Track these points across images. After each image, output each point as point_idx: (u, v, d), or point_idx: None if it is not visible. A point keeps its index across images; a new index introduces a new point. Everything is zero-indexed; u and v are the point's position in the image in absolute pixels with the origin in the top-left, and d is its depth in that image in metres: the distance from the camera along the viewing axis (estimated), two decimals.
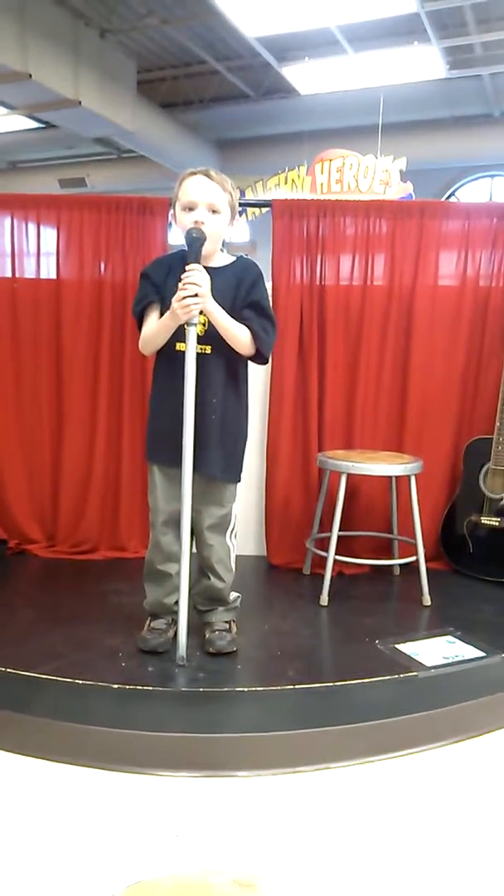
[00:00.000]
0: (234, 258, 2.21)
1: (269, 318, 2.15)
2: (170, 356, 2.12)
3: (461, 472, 3.06)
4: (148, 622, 2.27)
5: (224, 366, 2.14)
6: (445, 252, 3.07)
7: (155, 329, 2.12)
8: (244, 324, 2.10)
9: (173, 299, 2.01)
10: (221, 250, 2.21)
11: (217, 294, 2.06)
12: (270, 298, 2.98)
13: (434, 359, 3.07)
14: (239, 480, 2.25)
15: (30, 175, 10.71)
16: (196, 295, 1.99)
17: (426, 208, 3.08)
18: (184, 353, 2.05)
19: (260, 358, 2.16)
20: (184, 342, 2.06)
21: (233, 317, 2.09)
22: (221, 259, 2.19)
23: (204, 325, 2.08)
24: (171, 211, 2.18)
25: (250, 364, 2.22)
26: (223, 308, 2.07)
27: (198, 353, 2.07)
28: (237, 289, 2.13)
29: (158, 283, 2.13)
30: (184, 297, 1.98)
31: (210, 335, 2.09)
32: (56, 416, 3.14)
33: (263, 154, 9.23)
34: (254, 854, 1.46)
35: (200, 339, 2.08)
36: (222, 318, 2.06)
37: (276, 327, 2.18)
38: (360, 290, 3.05)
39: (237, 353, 2.13)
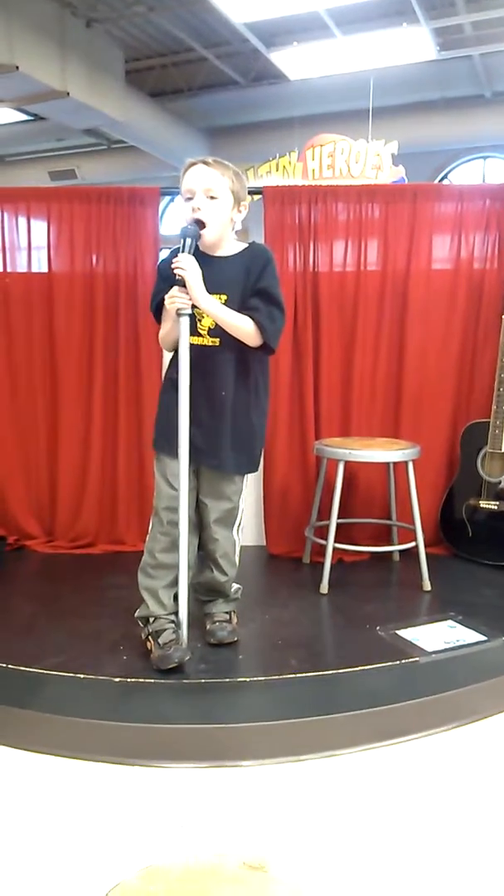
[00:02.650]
0: (247, 245, 2.15)
1: (277, 305, 2.08)
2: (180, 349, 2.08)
3: (459, 456, 3.06)
4: (152, 639, 2.09)
5: (234, 358, 2.09)
6: (439, 235, 3.05)
7: (162, 326, 2.14)
8: (250, 314, 2.05)
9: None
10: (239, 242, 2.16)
11: (226, 284, 2.04)
12: None
13: (429, 343, 3.06)
14: (254, 470, 2.23)
15: (20, 168, 10.64)
16: (183, 283, 1.97)
17: (419, 191, 3.06)
18: (194, 345, 2.04)
19: (267, 349, 2.12)
20: (196, 335, 2.06)
21: (243, 305, 2.05)
22: (231, 247, 2.12)
23: (189, 315, 2.04)
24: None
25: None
26: (234, 298, 2.04)
27: (207, 346, 2.06)
28: (246, 276, 2.07)
29: (169, 277, 2.05)
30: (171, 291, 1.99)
31: (220, 327, 2.05)
32: (51, 410, 3.13)
33: (254, 141, 9.17)
34: (261, 840, 1.46)
35: (210, 332, 2.07)
36: (220, 312, 2.02)
37: (284, 314, 2.12)
38: (354, 276, 3.04)
39: (249, 345, 2.10)
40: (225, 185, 2.04)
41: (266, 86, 8.28)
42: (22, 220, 3.07)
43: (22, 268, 3.10)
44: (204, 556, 2.25)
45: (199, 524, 2.20)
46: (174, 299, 1.99)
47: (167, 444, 2.11)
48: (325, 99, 8.29)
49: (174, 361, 2.15)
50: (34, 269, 3.09)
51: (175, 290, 1.99)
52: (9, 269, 3.10)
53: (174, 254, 2.09)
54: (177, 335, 2.05)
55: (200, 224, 2.02)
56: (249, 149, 9.00)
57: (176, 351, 2.14)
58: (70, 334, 3.06)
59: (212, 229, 2.03)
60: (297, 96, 8.25)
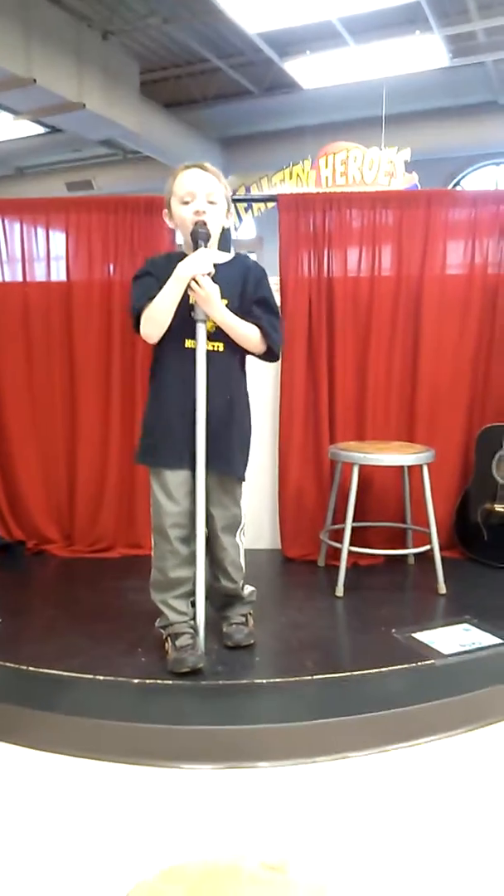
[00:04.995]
0: (233, 255, 2.17)
1: (276, 315, 2.13)
2: (178, 354, 2.06)
3: (473, 460, 3.06)
4: (170, 642, 2.11)
5: (236, 363, 2.13)
6: (453, 241, 3.07)
7: (159, 301, 2.00)
8: (253, 321, 2.08)
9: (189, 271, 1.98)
10: (228, 251, 2.18)
11: (225, 290, 2.03)
12: (279, 293, 3.01)
13: (444, 347, 3.07)
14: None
15: (37, 180, 10.76)
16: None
17: (432, 198, 3.08)
18: (194, 350, 2.03)
19: (271, 355, 2.14)
20: (193, 339, 2.03)
21: (241, 312, 2.07)
22: (220, 255, 2.14)
23: (205, 321, 2.04)
24: (165, 210, 2.13)
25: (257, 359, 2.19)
26: (233, 304, 2.05)
27: (208, 351, 2.05)
28: (244, 285, 2.10)
29: (164, 280, 2.03)
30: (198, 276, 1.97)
31: (221, 332, 2.05)
32: (70, 417, 3.17)
33: (268, 150, 9.22)
34: (279, 841, 1.48)
35: (211, 336, 2.05)
36: (233, 322, 2.04)
37: (282, 323, 2.16)
38: (369, 282, 3.06)
39: (245, 350, 2.12)
40: (222, 192, 2.07)
41: (279, 95, 8.33)
42: (41, 231, 3.12)
43: (41, 277, 3.15)
44: (212, 565, 2.22)
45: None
46: (201, 285, 1.96)
47: (166, 454, 2.08)
48: (338, 107, 8.34)
49: (166, 369, 2.10)
50: (53, 279, 3.14)
51: (202, 280, 1.97)
52: (28, 279, 3.15)
53: (163, 259, 2.12)
54: (170, 314, 2.01)
55: (207, 231, 2.02)
56: (263, 158, 9.07)
57: (165, 357, 2.10)
58: (88, 342, 3.10)
59: (213, 234, 2.05)
60: (310, 105, 8.30)
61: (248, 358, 2.19)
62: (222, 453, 2.09)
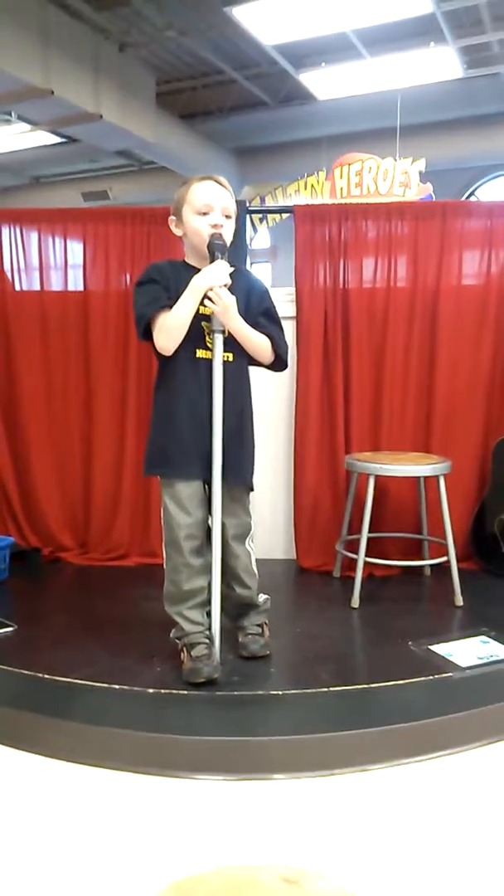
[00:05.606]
0: (233, 269, 2.12)
1: (280, 327, 2.18)
2: (190, 364, 2.06)
3: (490, 471, 3.04)
4: (185, 652, 2.09)
5: (245, 373, 2.16)
6: (468, 251, 3.06)
7: (177, 312, 2.00)
8: (263, 331, 2.11)
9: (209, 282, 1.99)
10: (244, 263, 2.20)
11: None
12: (294, 303, 3.02)
13: (460, 358, 3.06)
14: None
15: (53, 189, 10.87)
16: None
17: (448, 208, 3.08)
18: (205, 360, 2.04)
19: (280, 363, 2.17)
20: (204, 349, 2.05)
21: (249, 324, 2.09)
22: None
23: (222, 332, 2.04)
24: (172, 217, 2.12)
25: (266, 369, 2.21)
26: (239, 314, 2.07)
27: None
28: (248, 297, 2.12)
29: (170, 288, 2.04)
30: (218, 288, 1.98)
31: (230, 342, 2.07)
32: (86, 425, 3.19)
33: (282, 161, 9.28)
34: (294, 854, 1.47)
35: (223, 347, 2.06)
36: (247, 329, 2.06)
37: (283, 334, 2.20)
38: (384, 292, 3.06)
39: (254, 361, 2.15)
40: (233, 207, 2.10)
41: (294, 106, 8.38)
42: (58, 241, 3.15)
43: (58, 287, 3.17)
44: (225, 574, 2.19)
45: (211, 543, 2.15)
46: (220, 297, 1.98)
47: (179, 465, 2.08)
48: (352, 118, 8.38)
49: (176, 379, 2.08)
50: (70, 288, 3.16)
51: (222, 291, 1.98)
52: (45, 288, 3.17)
53: (166, 267, 2.12)
54: (186, 327, 2.00)
55: (224, 244, 2.05)
56: (278, 168, 9.12)
57: (174, 368, 2.08)
58: (104, 352, 3.12)
59: (228, 247, 2.07)
60: (325, 116, 8.34)
61: (255, 369, 2.21)
62: (233, 463, 2.10)
